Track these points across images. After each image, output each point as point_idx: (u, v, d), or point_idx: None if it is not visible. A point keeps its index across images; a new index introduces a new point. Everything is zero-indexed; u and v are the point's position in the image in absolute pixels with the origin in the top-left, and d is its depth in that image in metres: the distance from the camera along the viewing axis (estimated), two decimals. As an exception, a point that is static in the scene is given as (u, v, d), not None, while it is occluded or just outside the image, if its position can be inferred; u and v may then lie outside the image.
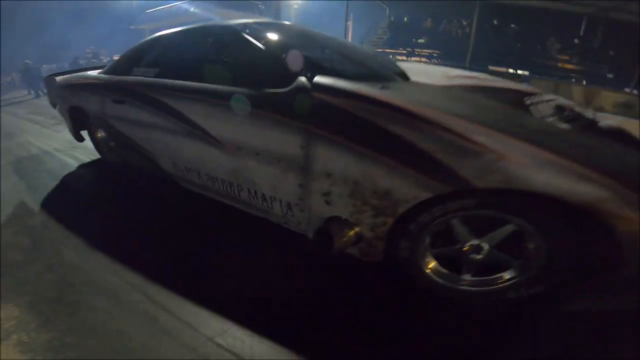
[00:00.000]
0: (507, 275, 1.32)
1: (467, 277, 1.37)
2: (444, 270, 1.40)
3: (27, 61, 11.80)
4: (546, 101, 1.61)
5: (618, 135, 1.48)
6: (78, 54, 14.10)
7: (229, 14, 19.47)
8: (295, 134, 1.41)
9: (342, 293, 1.54)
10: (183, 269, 1.74)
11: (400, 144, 1.18)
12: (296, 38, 2.09)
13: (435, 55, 12.00)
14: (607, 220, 1.04)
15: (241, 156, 1.66)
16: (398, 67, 1.93)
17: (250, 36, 1.76)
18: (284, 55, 1.58)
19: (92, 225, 2.16)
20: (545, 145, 1.09)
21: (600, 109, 6.13)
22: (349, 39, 12.57)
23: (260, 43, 1.71)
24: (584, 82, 8.60)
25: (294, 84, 1.45)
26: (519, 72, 10.39)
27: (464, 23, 12.19)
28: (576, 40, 10.75)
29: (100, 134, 2.91)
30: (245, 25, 1.92)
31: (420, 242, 1.33)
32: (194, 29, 2.20)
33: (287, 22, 2.75)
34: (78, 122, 3.01)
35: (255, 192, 1.72)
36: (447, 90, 1.62)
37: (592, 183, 1.03)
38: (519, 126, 1.21)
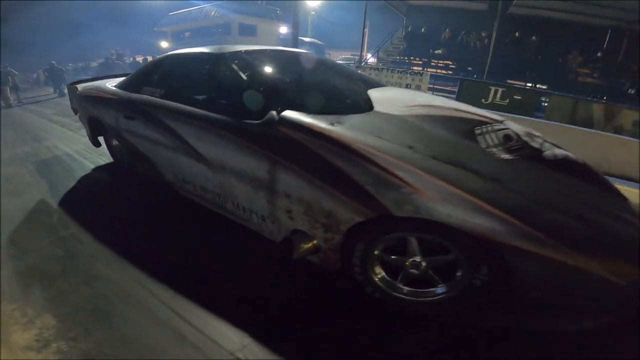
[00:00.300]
0: (438, 290, 1.50)
1: (403, 286, 1.56)
2: (389, 278, 1.59)
3: (52, 61, 12.47)
4: (496, 131, 1.77)
5: (563, 164, 1.62)
6: (107, 54, 14.62)
7: (248, 19, 19.86)
8: (264, 161, 1.69)
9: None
10: (205, 281, 1.86)
11: (341, 175, 1.45)
12: (280, 68, 2.31)
13: (451, 66, 11.94)
14: (499, 249, 1.22)
15: (224, 174, 1.94)
16: (367, 95, 2.11)
17: (237, 67, 2.03)
18: (261, 88, 1.87)
19: (121, 237, 2.30)
20: (454, 181, 1.30)
21: (620, 128, 6.00)
22: (365, 48, 12.62)
23: (244, 75, 1.98)
24: (605, 99, 8.44)
25: (266, 117, 1.71)
26: (538, 86, 10.26)
27: (483, 34, 12.11)
28: (599, 54, 10.51)
29: (115, 143, 3.19)
30: (237, 54, 2.19)
31: (368, 254, 1.55)
32: (193, 53, 2.49)
33: (282, 49, 2.96)
34: (95, 129, 3.31)
35: (237, 204, 1.98)
36: (402, 121, 1.76)
37: (487, 216, 1.21)
38: (451, 159, 1.43)
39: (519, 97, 7.10)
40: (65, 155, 4.03)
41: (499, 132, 1.76)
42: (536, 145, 1.71)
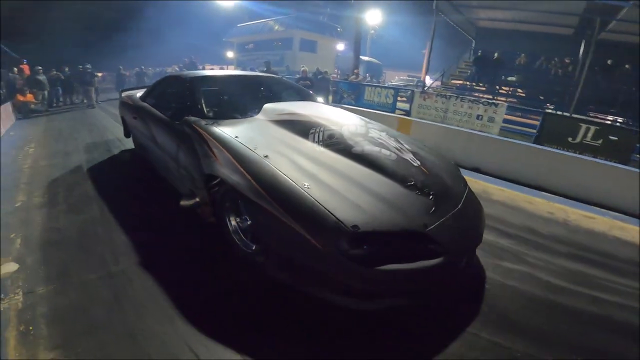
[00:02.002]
0: (255, 247, 2.00)
1: (243, 237, 2.09)
2: (237, 229, 2.12)
3: (119, 67, 13.85)
4: (323, 131, 2.26)
5: (363, 158, 2.02)
6: (179, 61, 15.64)
7: (309, 34, 20.28)
8: (175, 143, 2.60)
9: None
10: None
11: (196, 152, 2.26)
12: (215, 88, 3.10)
13: (519, 94, 10.81)
14: (246, 199, 1.85)
15: (164, 152, 2.90)
16: (262, 107, 2.65)
17: (184, 87, 2.98)
18: (188, 102, 2.74)
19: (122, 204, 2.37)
20: (237, 154, 1.97)
21: None
22: (424, 70, 11.97)
23: (186, 92, 2.88)
24: None
25: (182, 120, 2.58)
26: (622, 120, 8.78)
27: (566, 61, 10.91)
28: None
29: (132, 135, 4.38)
30: (190, 79, 3.04)
31: (222, 207, 2.15)
32: (173, 76, 3.57)
33: (233, 73, 4.53)
34: (125, 125, 4.52)
35: (168, 169, 2.89)
36: (262, 123, 2.44)
37: (238, 174, 1.87)
38: (256, 145, 2.04)
39: (615, 138, 6.05)
40: (110, 141, 5.50)
41: (326, 132, 2.26)
42: (351, 143, 2.15)
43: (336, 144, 2.13)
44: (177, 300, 1.80)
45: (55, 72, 10.28)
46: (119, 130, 5.53)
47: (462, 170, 2.48)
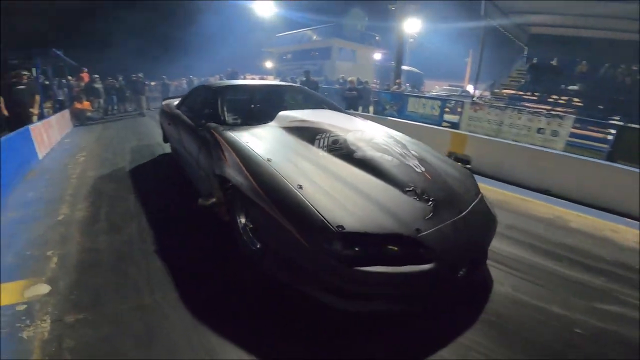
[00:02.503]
0: (259, 245, 2.05)
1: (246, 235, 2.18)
2: (244, 225, 2.22)
3: (163, 76, 14.38)
4: (328, 137, 2.39)
5: (365, 163, 2.09)
6: (222, 71, 16.17)
7: (347, 44, 20.23)
8: (196, 146, 2.86)
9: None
10: None
11: (212, 154, 2.49)
12: (238, 97, 3.50)
13: (578, 105, 9.82)
14: (247, 199, 1.98)
15: (190, 155, 3.12)
16: (276, 114, 2.80)
17: (210, 96, 3.18)
18: (211, 111, 2.96)
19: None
20: (244, 157, 2.15)
21: None
22: (466, 79, 11.29)
23: (211, 101, 3.07)
24: None
25: (204, 126, 2.79)
26: None
27: (635, 68, 9.82)
28: None
29: (169, 140, 4.64)
30: (217, 89, 3.22)
31: (235, 207, 2.26)
32: (203, 86, 3.92)
33: (260, 83, 4.85)
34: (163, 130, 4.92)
35: (192, 171, 3.21)
36: (274, 129, 2.61)
37: (242, 176, 2.02)
38: (267, 150, 2.22)
39: None
40: (152, 145, 6.03)
41: (331, 138, 2.36)
42: (354, 149, 2.22)
43: (339, 149, 2.23)
44: (216, 336, 1.63)
45: (110, 80, 10.96)
46: (158, 136, 5.91)
47: (529, 192, 2.16)
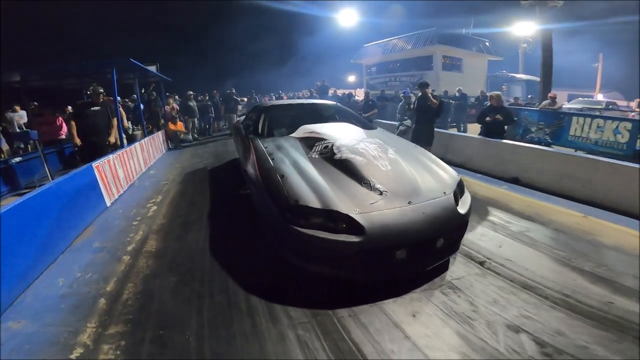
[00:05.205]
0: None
1: None
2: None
3: (252, 91, 14.24)
4: (322, 144, 2.91)
5: (341, 163, 2.59)
6: (312, 85, 15.32)
7: (451, 51, 17.51)
8: (243, 150, 4.02)
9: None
10: None
11: (246, 154, 3.59)
12: (278, 114, 4.26)
13: None
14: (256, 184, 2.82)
15: (242, 159, 4.09)
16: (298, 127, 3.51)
17: (257, 113, 4.23)
18: (256, 125, 3.86)
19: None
20: (260, 154, 2.95)
21: None
22: (597, 88, 8.05)
23: (255, 117, 4.18)
24: None
25: (249, 135, 3.72)
26: None
27: None
28: None
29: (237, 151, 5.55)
30: (265, 107, 4.38)
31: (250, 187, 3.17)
32: (255, 105, 5.41)
33: (301, 101, 6.32)
34: None
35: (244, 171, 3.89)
36: (289, 138, 3.27)
37: (252, 166, 2.94)
38: (272, 154, 2.92)
39: None
40: (229, 152, 6.80)
41: (324, 145, 2.88)
42: (336, 152, 2.72)
43: (326, 152, 2.78)
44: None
45: (205, 97, 10.49)
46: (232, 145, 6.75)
47: None
